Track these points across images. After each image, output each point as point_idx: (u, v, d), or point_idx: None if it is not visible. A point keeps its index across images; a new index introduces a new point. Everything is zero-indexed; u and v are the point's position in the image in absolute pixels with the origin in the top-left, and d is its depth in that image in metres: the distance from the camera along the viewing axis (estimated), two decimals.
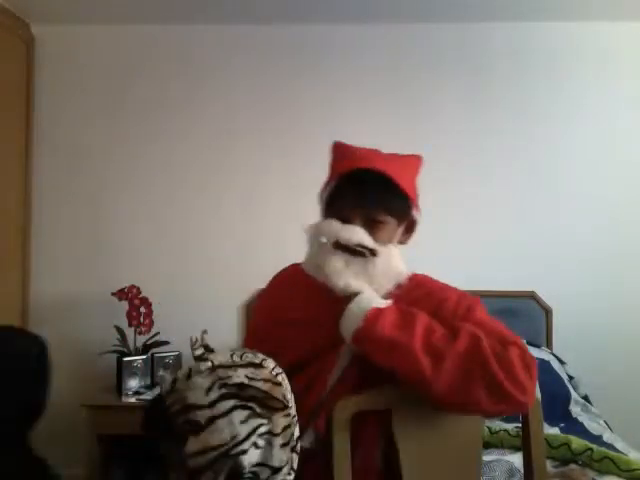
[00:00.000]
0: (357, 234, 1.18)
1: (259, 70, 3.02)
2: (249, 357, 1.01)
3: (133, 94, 3.03)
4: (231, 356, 1.01)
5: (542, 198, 2.97)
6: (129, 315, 2.69)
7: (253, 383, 0.97)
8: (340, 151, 1.32)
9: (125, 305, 2.71)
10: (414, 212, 1.28)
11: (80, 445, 2.74)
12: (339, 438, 1.13)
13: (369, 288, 1.18)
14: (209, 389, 0.94)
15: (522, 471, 1.30)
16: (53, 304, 3.00)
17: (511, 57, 2.99)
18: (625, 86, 2.97)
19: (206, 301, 2.95)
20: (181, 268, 2.99)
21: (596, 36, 2.97)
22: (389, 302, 1.16)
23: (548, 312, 2.91)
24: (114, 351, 2.72)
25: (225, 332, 2.99)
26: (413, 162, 1.32)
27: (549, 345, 2.88)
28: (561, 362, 2.68)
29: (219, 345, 3.27)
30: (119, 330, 2.74)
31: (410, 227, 1.29)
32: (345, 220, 1.21)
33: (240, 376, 0.97)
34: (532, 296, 2.91)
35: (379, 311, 1.13)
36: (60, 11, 2.88)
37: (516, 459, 1.80)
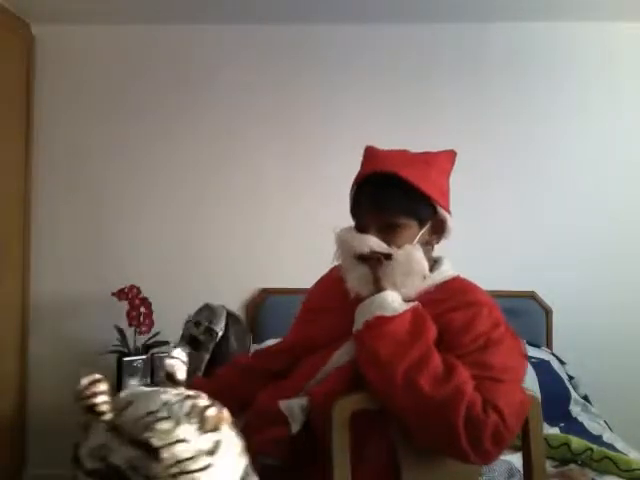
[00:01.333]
0: (368, 242, 1.18)
1: (259, 70, 3.02)
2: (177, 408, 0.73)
3: (133, 94, 3.03)
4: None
5: (542, 198, 2.96)
6: (129, 315, 2.69)
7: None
8: (366, 155, 1.31)
9: (125, 305, 2.71)
10: (441, 212, 1.25)
11: None
12: (338, 437, 1.13)
13: (392, 290, 1.18)
14: None
15: (522, 471, 1.30)
16: (53, 304, 3.00)
17: (511, 57, 2.99)
18: (626, 86, 2.97)
19: (206, 301, 2.94)
20: (181, 268, 2.99)
21: (596, 36, 2.97)
22: (411, 305, 1.17)
23: (548, 312, 2.91)
24: (114, 351, 2.72)
25: None
26: (441, 160, 1.29)
27: (549, 345, 2.88)
28: (561, 362, 2.67)
29: None
30: (119, 330, 2.74)
31: (438, 227, 1.27)
32: (364, 225, 1.22)
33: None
34: (532, 296, 2.91)
35: (384, 321, 1.13)
36: (60, 11, 2.87)
37: (516, 459, 1.80)
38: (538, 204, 2.96)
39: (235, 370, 1.46)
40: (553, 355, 2.71)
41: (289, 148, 2.99)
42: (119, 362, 2.64)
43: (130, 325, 2.70)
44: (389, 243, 1.20)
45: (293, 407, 1.21)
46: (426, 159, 1.26)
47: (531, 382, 2.38)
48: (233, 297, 2.99)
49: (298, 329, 1.42)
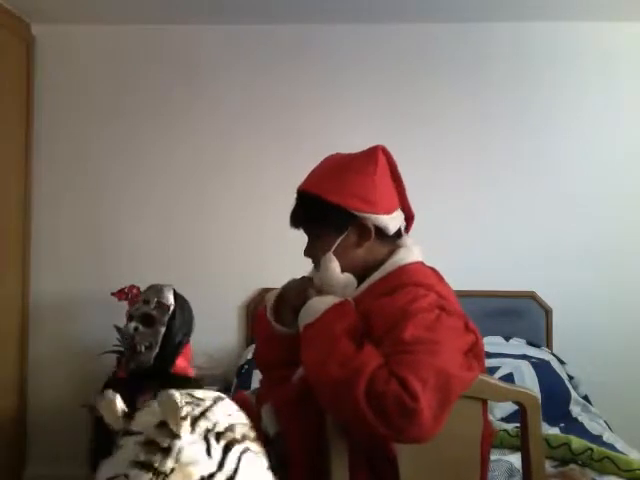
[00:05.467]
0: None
1: (259, 70, 3.02)
2: (199, 393, 0.85)
3: (133, 94, 3.03)
4: (184, 400, 0.82)
5: (542, 198, 2.96)
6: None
7: (235, 420, 0.82)
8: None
9: (125, 305, 2.71)
10: (361, 216, 1.28)
11: (80, 445, 2.74)
12: (336, 439, 1.14)
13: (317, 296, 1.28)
14: (208, 449, 0.75)
15: (522, 471, 1.30)
16: (53, 304, 3.00)
17: (511, 57, 2.98)
18: (626, 86, 2.97)
19: (206, 301, 2.94)
20: (181, 268, 2.99)
21: (596, 36, 2.97)
22: (332, 304, 1.22)
23: (548, 312, 2.91)
24: (114, 351, 2.72)
25: (225, 332, 2.99)
26: (358, 163, 1.32)
27: (549, 345, 2.88)
28: (561, 362, 2.68)
29: (220, 345, 3.26)
30: (119, 330, 2.74)
31: (363, 229, 1.29)
32: None
33: (221, 417, 0.80)
34: (532, 296, 2.91)
35: (307, 328, 1.23)
36: (60, 11, 2.87)
37: (516, 459, 1.80)
38: (538, 204, 2.96)
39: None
40: (553, 355, 2.71)
41: (290, 148, 2.98)
42: (119, 362, 2.64)
43: None
44: (314, 251, 1.34)
45: (267, 412, 1.30)
46: (342, 167, 1.32)
47: (531, 382, 2.39)
48: (233, 297, 2.99)
49: None
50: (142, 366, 1.96)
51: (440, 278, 1.31)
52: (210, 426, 0.77)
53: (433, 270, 1.33)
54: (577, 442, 1.92)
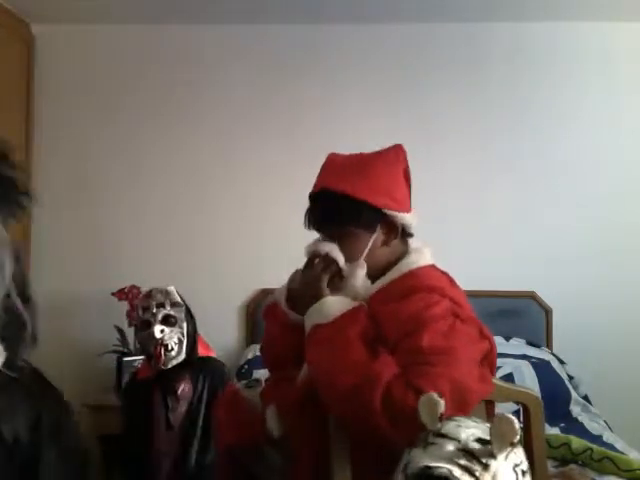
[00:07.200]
0: (324, 247, 1.26)
1: (260, 70, 3.02)
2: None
3: (133, 94, 3.03)
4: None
5: (542, 198, 2.96)
6: (129, 315, 2.69)
7: (528, 467, 0.90)
8: (320, 170, 1.34)
9: (125, 305, 2.71)
10: (390, 214, 1.26)
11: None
12: (338, 438, 1.14)
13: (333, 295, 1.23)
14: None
15: None
16: (53, 304, 2.99)
17: (511, 57, 2.98)
18: (625, 86, 2.97)
19: (207, 301, 2.93)
20: (181, 268, 2.98)
21: (596, 36, 2.97)
22: (348, 308, 1.19)
23: (548, 312, 2.91)
24: (114, 351, 2.72)
25: (226, 332, 2.99)
26: (384, 158, 1.30)
27: (549, 345, 2.88)
28: (561, 362, 2.68)
29: (220, 345, 3.26)
30: (119, 330, 2.74)
31: (392, 226, 1.28)
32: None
33: (523, 459, 0.88)
34: (532, 296, 2.91)
35: (319, 329, 1.19)
36: (60, 11, 2.87)
37: None
38: (538, 204, 2.96)
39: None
40: (553, 355, 2.71)
41: (290, 148, 2.99)
42: (119, 362, 2.64)
43: (130, 325, 2.70)
44: (345, 252, 1.25)
45: (272, 414, 1.30)
46: (366, 163, 1.27)
47: (531, 382, 2.39)
48: (233, 297, 2.99)
49: None
50: (176, 361, 2.09)
51: (452, 282, 1.29)
52: (518, 462, 0.86)
53: (445, 274, 1.30)
54: (577, 442, 1.92)
